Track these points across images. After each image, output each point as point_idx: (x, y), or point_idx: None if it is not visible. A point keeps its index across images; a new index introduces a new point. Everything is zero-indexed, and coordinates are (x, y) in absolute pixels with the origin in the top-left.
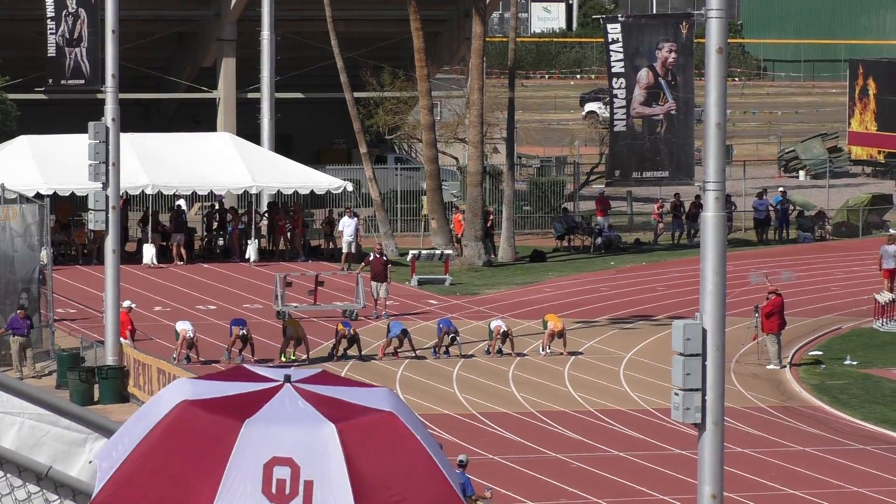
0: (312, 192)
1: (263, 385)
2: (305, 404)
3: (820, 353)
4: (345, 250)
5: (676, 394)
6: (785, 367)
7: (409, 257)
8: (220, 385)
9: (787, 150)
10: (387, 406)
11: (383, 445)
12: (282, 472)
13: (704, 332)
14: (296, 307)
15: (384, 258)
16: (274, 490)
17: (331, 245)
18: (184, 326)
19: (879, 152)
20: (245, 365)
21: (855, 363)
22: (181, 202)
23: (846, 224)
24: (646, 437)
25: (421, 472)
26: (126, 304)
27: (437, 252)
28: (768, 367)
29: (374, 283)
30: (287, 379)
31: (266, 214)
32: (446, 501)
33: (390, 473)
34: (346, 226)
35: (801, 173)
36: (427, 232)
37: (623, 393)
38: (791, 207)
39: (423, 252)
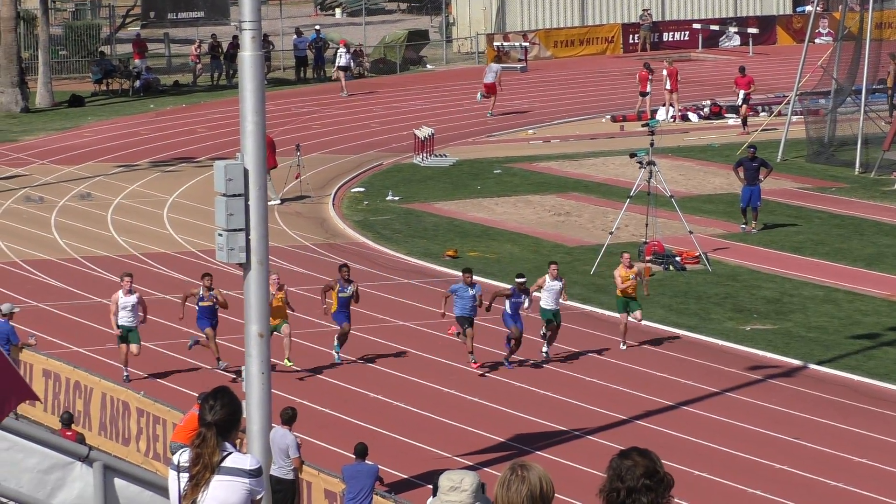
0: None
1: None
2: None
3: (362, 189)
4: None
5: (220, 234)
6: (280, 202)
7: None
8: None
9: None
10: None
11: None
12: None
13: (246, 171)
14: None
15: None
16: None
17: None
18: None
19: None
20: None
21: (397, 199)
22: None
23: (384, 61)
24: (191, 279)
25: None
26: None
27: None
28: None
29: None
30: None
31: None
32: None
33: None
34: None
35: (338, 11)
36: None
37: (167, 236)
38: (327, 45)
39: None
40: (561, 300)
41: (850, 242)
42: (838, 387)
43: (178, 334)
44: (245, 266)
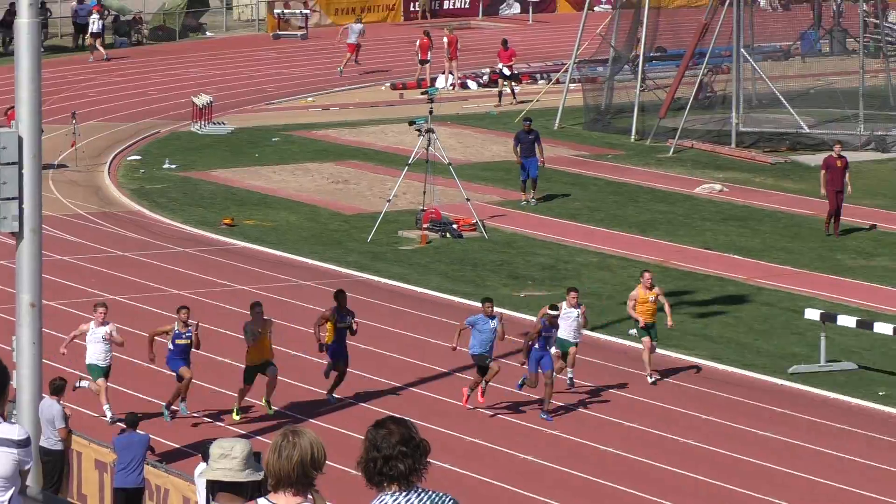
0: None
1: None
2: None
3: (139, 157)
4: None
5: None
6: None
7: None
8: None
9: None
10: None
11: None
12: None
13: (20, 139)
14: None
15: None
16: None
17: None
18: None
19: None
20: None
21: (174, 166)
22: None
23: (163, 28)
24: None
25: None
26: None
27: None
28: None
29: None
30: None
31: None
32: None
33: None
34: None
35: None
36: None
37: None
38: (107, 12)
39: None
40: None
41: (625, 209)
42: (612, 353)
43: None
44: (18, 235)
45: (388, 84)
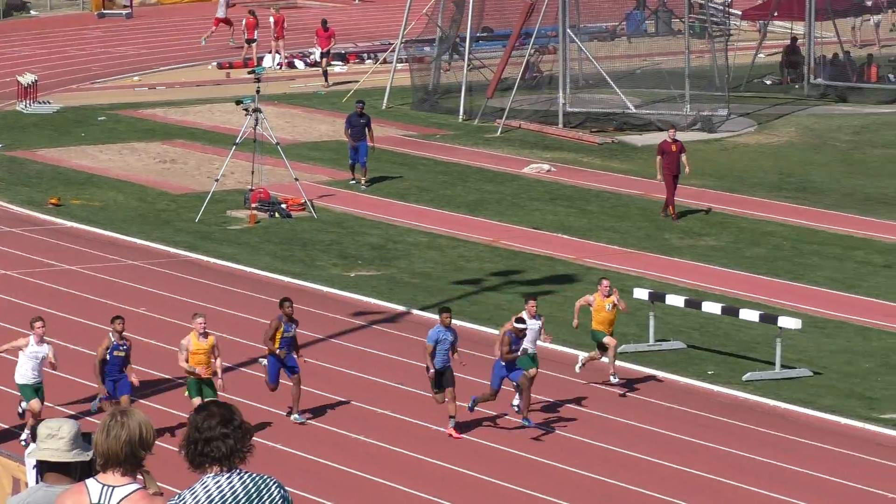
0: None
1: None
2: None
3: None
4: None
5: None
6: None
7: None
8: None
9: None
10: None
11: None
12: None
13: None
14: None
15: None
16: None
17: None
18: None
19: None
20: None
21: (0, 146)
22: None
23: None
24: None
25: None
26: None
27: None
28: None
29: None
30: None
31: None
32: None
33: None
34: None
35: None
36: None
37: None
38: None
39: None
40: (541, 341)
41: (454, 189)
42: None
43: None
44: None
45: (214, 63)
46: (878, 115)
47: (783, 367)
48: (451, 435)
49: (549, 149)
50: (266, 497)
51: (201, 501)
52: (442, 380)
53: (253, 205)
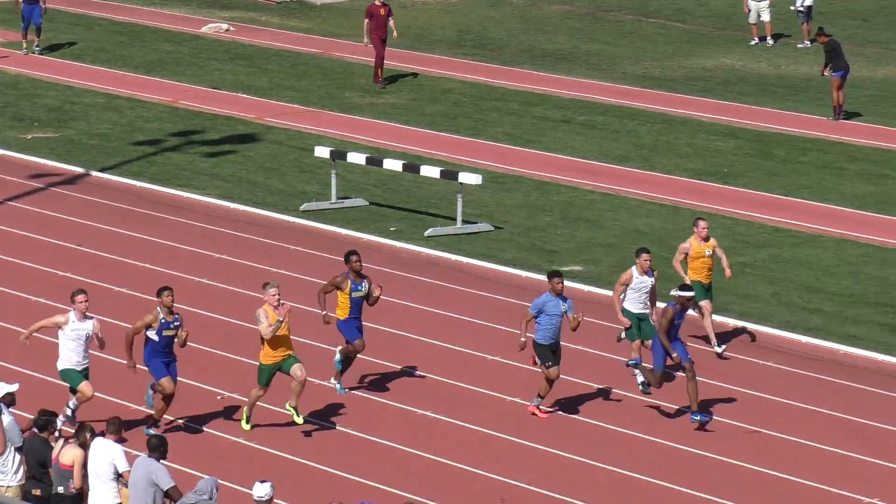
0: None
1: None
2: None
3: None
4: None
5: None
6: None
7: None
8: None
9: None
10: None
11: None
12: None
13: None
14: None
15: None
16: None
17: None
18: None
19: None
20: None
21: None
22: None
23: None
24: None
25: None
26: None
27: None
28: None
29: None
30: None
31: None
32: None
33: None
34: None
35: None
36: None
37: None
38: None
39: None
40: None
41: (131, 49)
42: (120, 193)
43: None
44: None
45: None
46: None
47: (464, 222)
48: (534, 413)
49: (227, 8)
50: None
51: None
52: (555, 356)
53: None
